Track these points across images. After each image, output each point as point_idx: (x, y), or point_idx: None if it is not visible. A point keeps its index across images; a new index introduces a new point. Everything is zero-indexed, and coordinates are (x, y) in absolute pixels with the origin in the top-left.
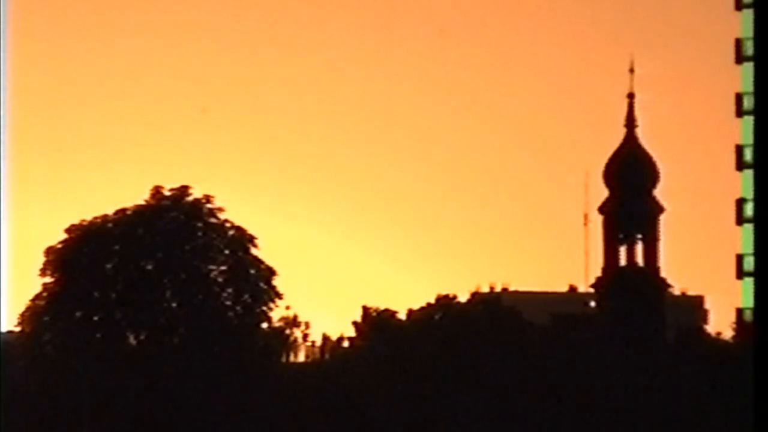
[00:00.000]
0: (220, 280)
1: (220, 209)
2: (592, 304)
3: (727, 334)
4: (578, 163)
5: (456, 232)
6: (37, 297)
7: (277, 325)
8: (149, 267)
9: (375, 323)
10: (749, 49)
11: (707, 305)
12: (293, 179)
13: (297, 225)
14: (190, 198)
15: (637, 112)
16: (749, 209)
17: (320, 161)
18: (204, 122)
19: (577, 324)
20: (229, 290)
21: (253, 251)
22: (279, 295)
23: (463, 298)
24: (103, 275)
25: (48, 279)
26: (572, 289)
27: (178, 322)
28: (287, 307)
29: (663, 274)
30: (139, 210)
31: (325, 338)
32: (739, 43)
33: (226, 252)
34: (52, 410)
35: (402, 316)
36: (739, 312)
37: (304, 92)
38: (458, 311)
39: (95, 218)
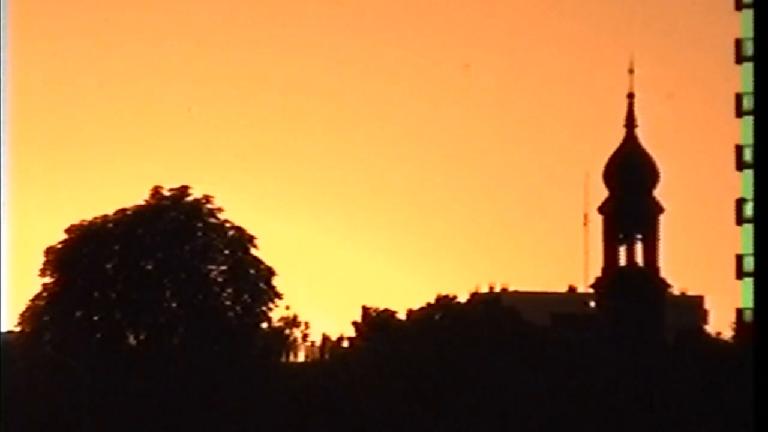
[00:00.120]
0: (219, 280)
1: (220, 209)
2: (592, 304)
3: (727, 334)
4: (578, 163)
5: (456, 232)
6: (37, 297)
7: (276, 325)
8: (149, 267)
9: (375, 323)
10: (749, 49)
11: (707, 305)
12: (293, 179)
13: (297, 225)
14: (189, 198)
15: (637, 112)
16: (749, 209)
17: (320, 161)
18: (204, 122)
19: (576, 324)
20: (229, 290)
21: (253, 251)
22: (279, 295)
23: (462, 298)
24: (103, 275)
25: (48, 279)
26: (572, 289)
27: (178, 322)
28: (287, 307)
29: (663, 274)
30: (139, 210)
31: (325, 338)
32: (738, 43)
33: (226, 252)
34: (52, 410)
35: (402, 316)
36: (739, 312)
37: (304, 92)
38: (458, 311)
39: (95, 218)
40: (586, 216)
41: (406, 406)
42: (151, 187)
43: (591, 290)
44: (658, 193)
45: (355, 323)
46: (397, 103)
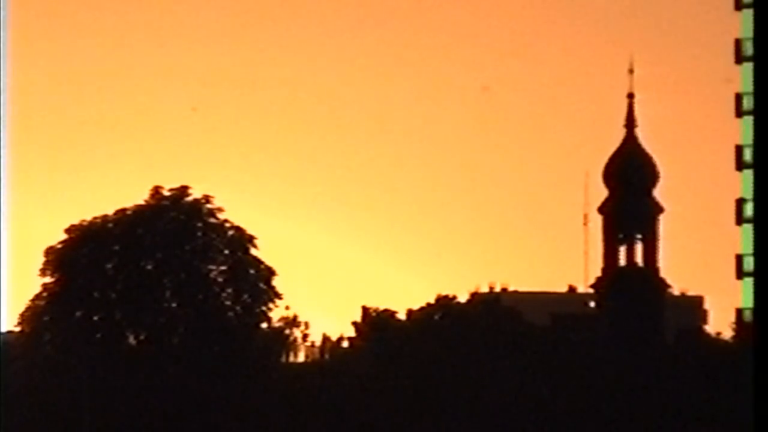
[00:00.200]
0: (219, 280)
1: (220, 209)
2: (592, 304)
3: (727, 334)
4: (578, 163)
5: (456, 232)
6: (37, 297)
7: (276, 325)
8: (149, 267)
9: (375, 323)
10: (749, 49)
11: (707, 305)
12: (293, 179)
13: (297, 225)
14: (189, 198)
15: (637, 112)
16: (749, 209)
17: (320, 161)
18: (204, 122)
19: (576, 324)
20: (229, 290)
21: (253, 251)
22: (278, 295)
23: (462, 298)
24: (103, 275)
25: (48, 279)
26: (572, 289)
27: (178, 322)
28: (287, 307)
29: (662, 274)
30: (139, 210)
31: (325, 338)
32: (738, 43)
33: (226, 252)
34: (52, 410)
35: (402, 316)
36: (739, 312)
37: (305, 92)
38: (458, 311)
39: (95, 218)
40: (586, 216)
41: (406, 406)
42: (151, 187)
43: (591, 290)
44: (658, 193)
45: (355, 323)
46: (397, 104)
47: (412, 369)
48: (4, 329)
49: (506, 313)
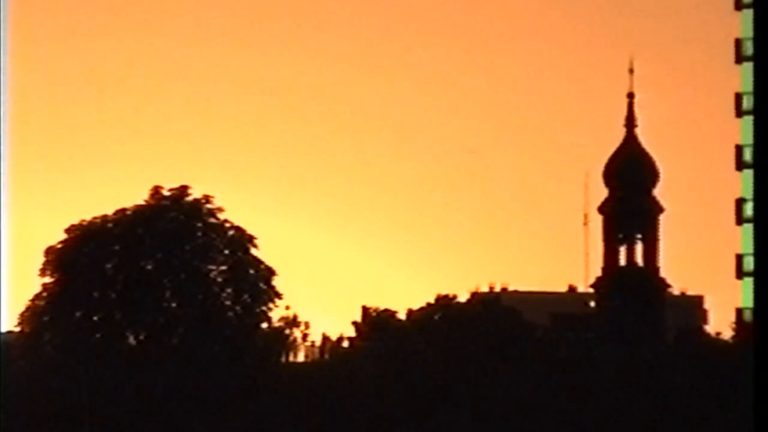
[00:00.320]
0: (219, 280)
1: (220, 209)
2: (592, 304)
3: (727, 334)
4: (578, 163)
5: (456, 232)
6: (37, 297)
7: (276, 325)
8: (149, 267)
9: (375, 323)
10: (749, 49)
11: (707, 305)
12: (293, 179)
13: (297, 225)
14: (189, 198)
15: (637, 112)
16: (749, 209)
17: (320, 161)
18: (204, 122)
19: (576, 324)
20: (229, 290)
21: (253, 251)
22: (279, 295)
23: (462, 298)
24: (103, 275)
25: (48, 279)
26: (572, 289)
27: (178, 322)
28: (287, 307)
29: (662, 274)
30: (139, 210)
31: (325, 338)
32: (738, 43)
33: (226, 252)
34: (52, 410)
35: (402, 316)
36: (739, 312)
37: (304, 92)
38: (458, 311)
39: (95, 218)
40: (586, 216)
41: (406, 406)
42: (151, 187)
43: (591, 290)
44: (658, 193)
45: (355, 323)
46: (397, 104)
47: (412, 369)
48: (4, 329)
49: (506, 313)
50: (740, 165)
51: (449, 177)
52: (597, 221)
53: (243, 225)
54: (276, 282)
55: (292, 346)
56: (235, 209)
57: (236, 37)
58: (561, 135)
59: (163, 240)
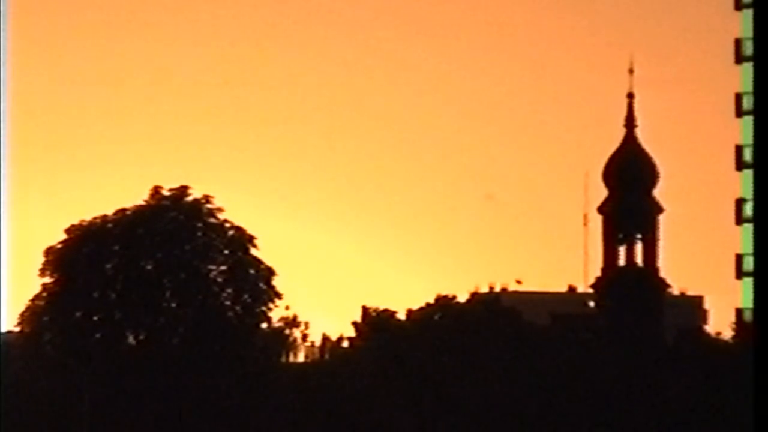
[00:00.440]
0: (219, 280)
1: (220, 209)
2: (592, 304)
3: (727, 334)
4: (578, 163)
5: (456, 232)
6: (37, 297)
7: (276, 325)
8: (149, 267)
9: (374, 323)
10: (749, 49)
11: (707, 305)
12: (293, 179)
13: (297, 225)
14: (189, 198)
15: (637, 112)
16: (749, 209)
17: (320, 161)
18: (204, 122)
19: (576, 324)
20: (229, 290)
21: (253, 251)
22: (279, 295)
23: (462, 298)
24: (103, 275)
25: (48, 279)
26: (572, 289)
27: (178, 322)
28: (287, 307)
29: (662, 274)
30: (138, 210)
31: (325, 338)
32: (738, 43)
33: (226, 252)
34: (52, 410)
35: (401, 316)
36: (739, 312)
37: (305, 92)
38: (458, 311)
39: (95, 218)
40: (586, 216)
41: (405, 406)
42: (151, 187)
43: (591, 290)
44: (657, 193)
45: (354, 323)
46: (397, 104)
47: (412, 369)
48: (4, 329)
49: (506, 313)
50: (740, 165)
51: (449, 177)
52: (597, 221)
53: (243, 225)
54: (276, 282)
55: (292, 346)
56: (235, 209)
57: (236, 38)
58: (561, 135)
59: (163, 240)
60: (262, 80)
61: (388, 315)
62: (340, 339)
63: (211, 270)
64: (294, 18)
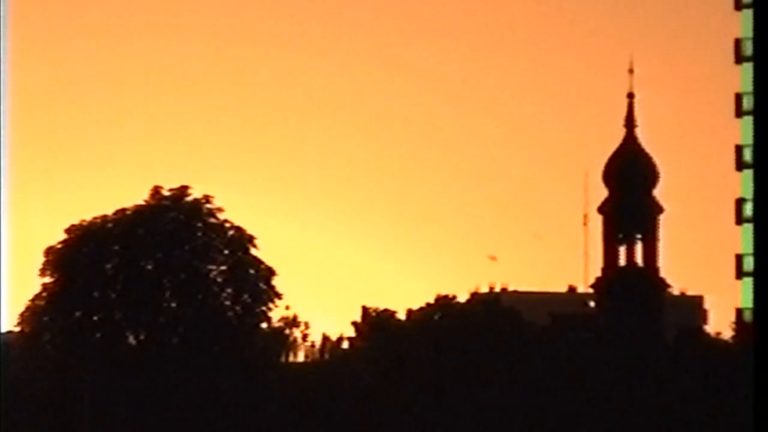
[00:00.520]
0: (219, 280)
1: (220, 209)
2: (592, 304)
3: (727, 334)
4: (578, 163)
5: (456, 232)
6: (37, 297)
7: (276, 325)
8: (149, 267)
9: (374, 323)
10: (749, 49)
11: (707, 305)
12: (293, 179)
13: (297, 225)
14: (189, 198)
15: (637, 112)
16: (749, 209)
17: (320, 161)
18: (204, 122)
19: (576, 324)
20: (229, 290)
21: (253, 251)
22: (279, 295)
23: (462, 298)
24: (103, 275)
25: (48, 279)
26: (572, 289)
27: (178, 322)
28: (287, 307)
29: (662, 274)
30: (138, 210)
31: (325, 338)
32: (738, 43)
33: (226, 252)
34: (52, 410)
35: (401, 316)
36: (739, 312)
37: (304, 93)
38: (458, 311)
39: (95, 218)
40: (586, 216)
41: (405, 406)
42: (151, 187)
43: (591, 290)
44: (658, 193)
45: (354, 323)
46: (397, 104)
47: (412, 369)
48: (4, 329)
49: (506, 313)
50: (740, 165)
51: (449, 177)
52: (597, 221)
53: (243, 225)
54: (276, 282)
55: (292, 346)
56: (235, 209)
57: (236, 38)
58: (561, 135)
59: (163, 240)
60: (262, 80)
61: (388, 315)
62: (340, 339)
63: (211, 270)
64: (294, 18)
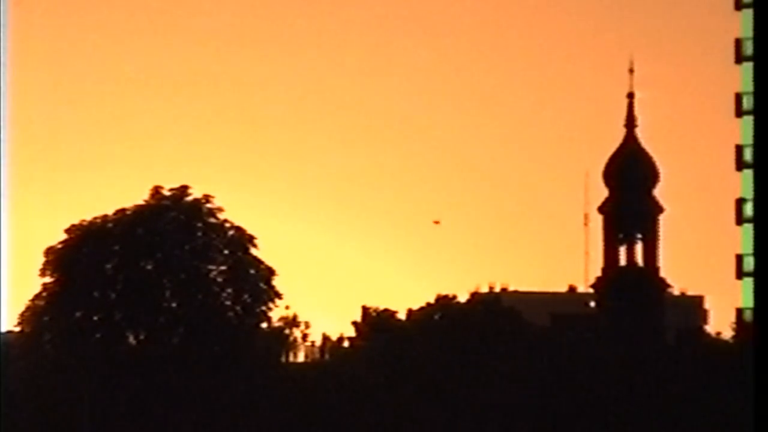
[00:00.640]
0: (219, 280)
1: (220, 209)
2: (592, 304)
3: (727, 334)
4: (578, 163)
5: (456, 232)
6: (37, 297)
7: (276, 325)
8: (149, 267)
9: (375, 323)
10: (749, 49)
11: (707, 305)
12: (293, 179)
13: (297, 225)
14: (189, 198)
15: (637, 112)
16: (749, 209)
17: (320, 161)
18: (204, 122)
19: (577, 324)
20: (229, 290)
21: (253, 251)
22: (279, 295)
23: (462, 298)
24: (103, 275)
25: (48, 279)
26: (572, 289)
27: (178, 322)
28: (287, 307)
29: (663, 274)
30: (139, 210)
31: (325, 338)
32: (738, 43)
33: (226, 252)
34: (52, 410)
35: (402, 316)
36: (739, 312)
37: (305, 93)
38: (458, 311)
39: (95, 218)
40: (586, 216)
41: (405, 406)
42: (151, 187)
43: (591, 290)
44: (658, 193)
45: (355, 323)
46: (397, 104)
47: (412, 369)
48: (4, 329)
49: (506, 313)
50: (740, 165)
51: (449, 177)
52: (597, 221)
53: (243, 225)
54: (276, 282)
55: (292, 346)
56: (235, 209)
57: (236, 38)
58: (561, 135)
59: (163, 240)
60: (262, 80)
61: (388, 315)
62: (340, 339)
63: (211, 270)
64: (294, 18)
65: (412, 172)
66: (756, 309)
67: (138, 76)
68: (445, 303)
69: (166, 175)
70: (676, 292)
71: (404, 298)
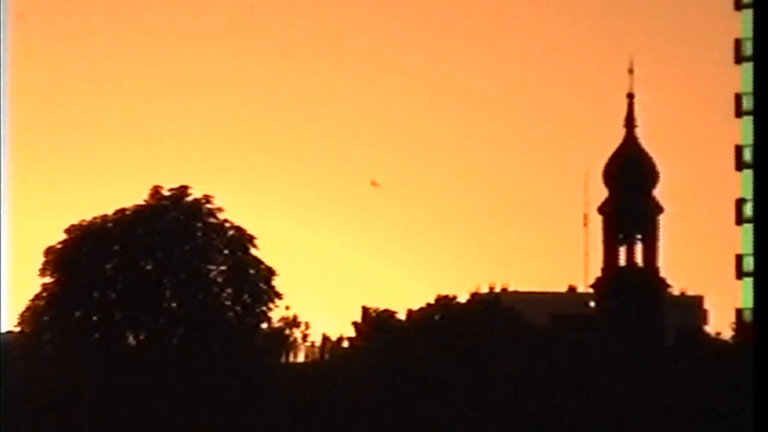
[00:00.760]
0: (219, 280)
1: (220, 209)
2: (592, 304)
3: (727, 334)
4: (578, 163)
5: (456, 232)
6: (37, 297)
7: (276, 325)
8: (149, 267)
9: (375, 323)
10: (748, 49)
11: (707, 305)
12: (293, 179)
13: (297, 225)
14: (189, 198)
15: (637, 112)
16: (749, 209)
17: (320, 161)
18: (204, 122)
19: (576, 324)
20: (229, 290)
21: (253, 251)
22: (279, 295)
23: (462, 298)
24: (103, 275)
25: (48, 279)
26: (572, 289)
27: (178, 322)
28: (287, 308)
29: (662, 274)
30: (138, 210)
31: (325, 338)
32: (738, 43)
33: (226, 252)
34: (52, 410)
35: (402, 316)
36: (739, 312)
37: (304, 93)
38: (458, 311)
39: (95, 218)
40: (586, 216)
41: (406, 406)
42: (151, 187)
43: (591, 290)
44: (657, 193)
45: (355, 323)
46: (397, 104)
47: (412, 369)
48: (4, 329)
49: (506, 313)
50: (740, 165)
51: (449, 177)
52: (597, 221)
53: (243, 225)
54: (276, 282)
55: (292, 346)
56: (235, 209)
57: (236, 38)
58: (561, 135)
59: (163, 240)
60: (262, 80)
61: (388, 315)
62: (340, 339)
63: (211, 270)
64: (293, 18)
65: (411, 172)
66: (756, 309)
67: (138, 77)
68: (445, 303)
69: (166, 175)
70: (676, 292)
71: (404, 298)
